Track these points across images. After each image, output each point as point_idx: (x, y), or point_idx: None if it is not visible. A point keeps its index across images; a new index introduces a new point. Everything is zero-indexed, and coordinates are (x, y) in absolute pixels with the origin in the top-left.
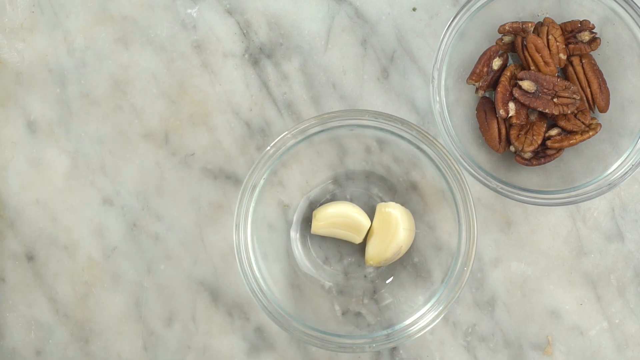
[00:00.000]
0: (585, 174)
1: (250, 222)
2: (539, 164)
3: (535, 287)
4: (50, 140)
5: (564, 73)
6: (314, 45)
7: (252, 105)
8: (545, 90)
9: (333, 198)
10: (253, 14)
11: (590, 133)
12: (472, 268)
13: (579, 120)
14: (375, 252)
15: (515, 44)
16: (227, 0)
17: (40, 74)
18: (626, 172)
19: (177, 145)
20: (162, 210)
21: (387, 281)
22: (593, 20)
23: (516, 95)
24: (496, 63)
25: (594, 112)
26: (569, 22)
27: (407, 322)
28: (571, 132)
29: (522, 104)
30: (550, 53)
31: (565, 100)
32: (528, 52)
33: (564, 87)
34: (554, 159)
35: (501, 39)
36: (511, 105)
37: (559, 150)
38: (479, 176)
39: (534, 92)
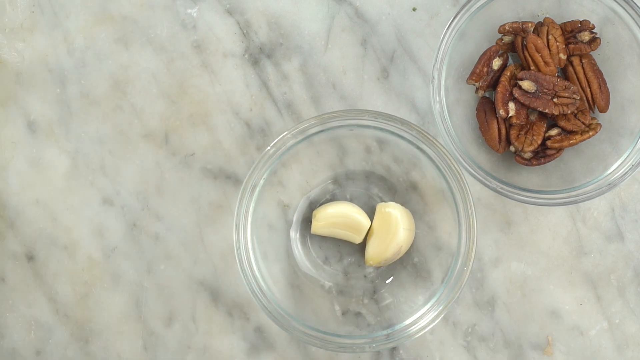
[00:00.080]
0: (585, 174)
1: (250, 222)
2: (539, 164)
3: (535, 287)
4: (50, 140)
5: (564, 73)
6: (314, 45)
7: (252, 105)
8: (545, 90)
9: (333, 198)
10: (253, 14)
11: (590, 133)
12: (472, 268)
13: (579, 120)
14: (375, 252)
15: (515, 44)
16: (227, 0)
17: (40, 74)
18: (626, 172)
19: (177, 145)
20: (162, 210)
21: (387, 281)
22: (593, 20)
23: (516, 95)
24: (496, 63)
25: (594, 112)
26: (569, 22)
27: (407, 322)
28: (571, 132)
29: (522, 104)
30: (550, 53)
31: (565, 100)
32: (528, 52)
33: (564, 87)
34: (554, 159)
35: (501, 39)
36: (511, 105)
37: (559, 150)
38: (479, 176)
39: (534, 92)
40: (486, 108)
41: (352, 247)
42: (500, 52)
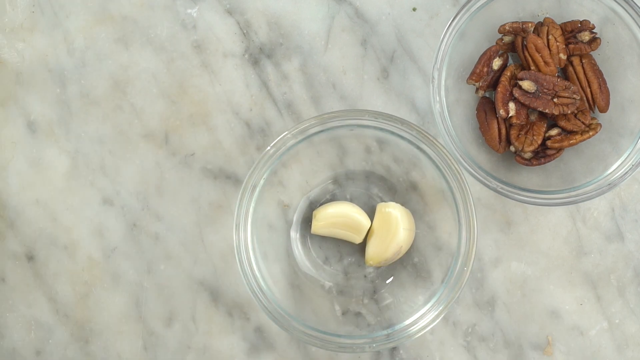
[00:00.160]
0: (585, 174)
1: (250, 222)
2: (539, 164)
3: (535, 287)
4: (50, 140)
5: (564, 73)
6: (314, 45)
7: (252, 105)
8: (545, 90)
9: (333, 198)
10: (253, 14)
11: (590, 133)
12: (472, 268)
13: (579, 120)
14: (375, 252)
15: (515, 44)
16: (227, 0)
17: (40, 74)
18: (626, 172)
19: (177, 145)
20: (162, 210)
21: (387, 281)
22: (593, 20)
23: (516, 95)
24: (496, 63)
25: (594, 112)
26: (569, 22)
27: (407, 322)
28: (571, 132)
29: (522, 104)
30: (550, 53)
31: (565, 100)
32: (528, 52)
33: (564, 87)
34: (554, 159)
35: (501, 39)
36: (511, 105)
37: (559, 150)
38: (479, 176)
39: (534, 92)
40: (486, 108)
41: (352, 247)
42: (501, 52)
